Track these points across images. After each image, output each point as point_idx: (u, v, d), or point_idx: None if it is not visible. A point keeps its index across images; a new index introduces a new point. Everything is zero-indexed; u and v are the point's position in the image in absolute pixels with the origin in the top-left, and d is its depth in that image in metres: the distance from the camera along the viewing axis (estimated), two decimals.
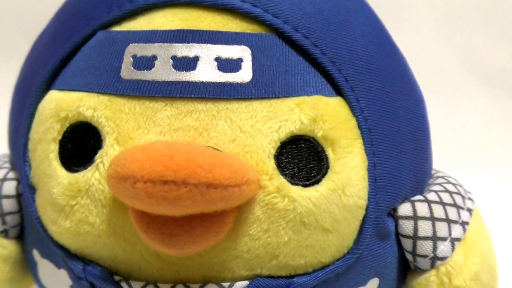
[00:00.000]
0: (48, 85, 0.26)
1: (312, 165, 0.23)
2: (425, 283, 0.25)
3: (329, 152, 0.23)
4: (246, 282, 0.22)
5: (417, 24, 0.56)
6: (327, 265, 0.23)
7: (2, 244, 0.27)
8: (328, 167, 0.23)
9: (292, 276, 0.23)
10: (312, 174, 0.22)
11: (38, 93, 0.25)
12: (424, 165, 0.27)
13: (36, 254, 0.26)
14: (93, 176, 0.22)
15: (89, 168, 0.23)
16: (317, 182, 0.22)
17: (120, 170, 0.20)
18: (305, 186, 0.22)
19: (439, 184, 0.27)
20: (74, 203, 0.23)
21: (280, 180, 0.22)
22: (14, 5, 0.58)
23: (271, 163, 0.22)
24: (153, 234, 0.21)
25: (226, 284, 0.22)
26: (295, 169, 0.22)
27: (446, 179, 0.28)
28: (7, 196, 0.26)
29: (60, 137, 0.24)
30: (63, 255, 0.24)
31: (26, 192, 0.25)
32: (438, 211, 0.25)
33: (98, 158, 0.23)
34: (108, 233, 0.22)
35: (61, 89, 0.25)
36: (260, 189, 0.22)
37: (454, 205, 0.26)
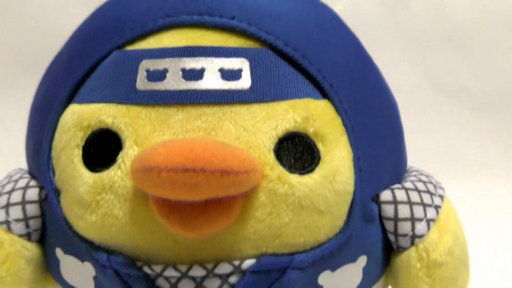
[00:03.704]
0: (68, 101, 0.29)
1: (306, 157, 0.26)
2: (406, 259, 0.29)
3: (320, 146, 0.26)
4: (253, 260, 0.25)
5: (385, 47, 0.61)
6: (323, 243, 0.26)
7: (26, 246, 0.29)
8: (319, 158, 0.26)
9: (292, 254, 0.26)
10: (307, 165, 0.26)
11: (59, 108, 0.28)
12: (400, 159, 0.31)
13: (59, 252, 0.28)
14: (116, 174, 0.25)
15: (112, 167, 0.26)
16: (311, 171, 0.26)
17: (145, 163, 0.23)
18: (301, 174, 0.26)
19: (414, 175, 0.31)
20: (99, 198, 0.26)
21: (280, 170, 0.25)
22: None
23: (271, 156, 0.25)
24: (174, 219, 0.24)
25: (236, 262, 0.25)
26: (292, 161, 0.26)
27: (419, 172, 0.32)
28: (31, 202, 0.29)
29: (83, 143, 0.27)
30: (88, 248, 0.26)
31: (51, 195, 0.28)
32: (414, 197, 0.29)
33: (119, 158, 0.26)
34: (130, 223, 0.25)
35: (80, 103, 0.28)
36: (263, 178, 0.25)
37: (428, 192, 0.30)
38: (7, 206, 0.29)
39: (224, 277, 0.25)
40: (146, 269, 0.25)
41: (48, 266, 0.30)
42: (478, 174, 0.62)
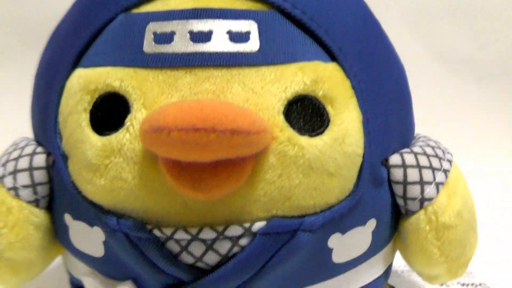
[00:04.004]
0: (74, 66, 0.28)
1: (315, 119, 0.26)
2: (415, 222, 0.29)
3: (329, 108, 0.26)
4: (264, 222, 0.25)
5: (388, 18, 0.60)
6: (333, 205, 0.26)
7: (34, 212, 0.29)
8: (329, 121, 0.26)
9: (303, 216, 0.26)
10: (316, 127, 0.26)
11: (65, 73, 0.28)
12: (408, 124, 0.31)
13: (67, 218, 0.28)
14: (125, 137, 0.25)
15: (120, 130, 0.26)
16: (321, 133, 0.26)
17: (155, 123, 0.23)
18: (311, 136, 0.26)
19: (422, 141, 0.31)
20: (108, 162, 0.26)
21: (290, 132, 0.25)
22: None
23: (281, 118, 0.25)
24: (184, 181, 0.24)
25: (247, 225, 0.25)
26: (301, 123, 0.26)
27: (427, 138, 0.32)
28: (38, 168, 0.29)
29: (90, 107, 0.27)
30: (97, 212, 0.26)
31: (59, 161, 0.28)
32: (423, 161, 0.29)
33: (128, 121, 0.26)
34: (139, 186, 0.25)
35: (86, 67, 0.28)
36: (273, 140, 0.25)
37: (436, 156, 0.30)
38: (15, 172, 0.29)
39: (234, 240, 0.25)
40: (156, 232, 0.25)
41: (57, 233, 0.30)
42: (481, 145, 0.62)
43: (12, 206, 0.29)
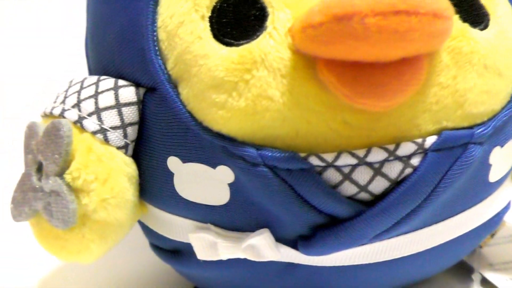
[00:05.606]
0: None
1: (475, 12, 0.23)
2: None
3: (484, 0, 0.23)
4: (435, 137, 0.22)
5: None
6: (497, 113, 0.23)
7: (126, 161, 0.23)
8: (487, 13, 0.23)
9: (471, 127, 0.22)
10: (479, 20, 0.22)
11: None
12: None
13: (173, 162, 0.23)
14: (268, 43, 0.20)
15: (261, 37, 0.21)
16: (486, 26, 0.23)
17: (338, 10, 0.18)
18: (480, 30, 0.22)
19: None
20: (249, 77, 0.21)
21: (461, 24, 0.22)
22: None
23: None
24: (362, 87, 0.19)
25: (419, 140, 0.21)
26: (464, 16, 0.22)
27: None
28: (128, 104, 0.23)
29: (209, 14, 0.21)
30: (227, 146, 0.21)
31: (166, 88, 0.22)
32: None
33: (269, 24, 0.21)
34: (290, 105, 0.21)
35: None
36: None
37: None
38: (98, 111, 0.23)
39: (404, 160, 0.21)
40: (313, 160, 0.21)
41: (145, 187, 0.24)
42: None
43: (102, 154, 0.23)
